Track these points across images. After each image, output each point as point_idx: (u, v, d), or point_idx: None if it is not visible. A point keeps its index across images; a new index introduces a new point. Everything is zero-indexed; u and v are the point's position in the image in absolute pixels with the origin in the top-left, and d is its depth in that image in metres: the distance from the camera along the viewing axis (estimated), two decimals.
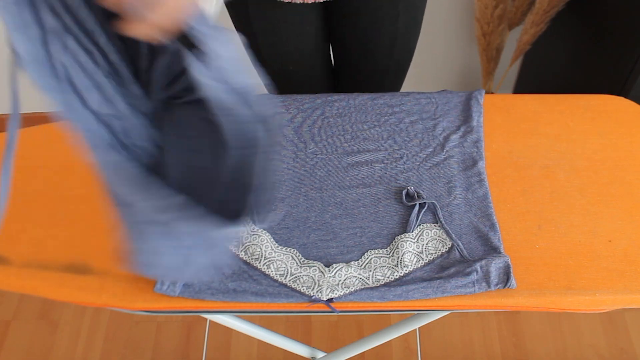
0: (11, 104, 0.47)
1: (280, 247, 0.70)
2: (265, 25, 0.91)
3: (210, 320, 1.45)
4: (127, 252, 0.52)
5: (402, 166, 0.78)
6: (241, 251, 0.69)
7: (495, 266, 0.66)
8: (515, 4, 1.36)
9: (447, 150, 0.79)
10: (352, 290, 0.66)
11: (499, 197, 0.74)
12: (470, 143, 0.79)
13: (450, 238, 0.70)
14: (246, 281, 0.67)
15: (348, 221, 0.72)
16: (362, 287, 0.67)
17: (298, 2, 0.85)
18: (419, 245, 0.70)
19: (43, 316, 1.51)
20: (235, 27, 0.96)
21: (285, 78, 1.01)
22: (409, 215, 0.72)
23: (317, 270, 0.68)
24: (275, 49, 0.95)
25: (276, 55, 0.97)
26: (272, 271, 0.68)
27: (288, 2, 0.85)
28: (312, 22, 0.93)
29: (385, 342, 1.02)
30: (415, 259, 0.68)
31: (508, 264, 0.66)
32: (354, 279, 0.67)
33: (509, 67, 1.50)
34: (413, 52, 1.04)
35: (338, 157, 0.79)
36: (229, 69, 0.48)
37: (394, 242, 0.70)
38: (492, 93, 1.56)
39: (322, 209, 0.74)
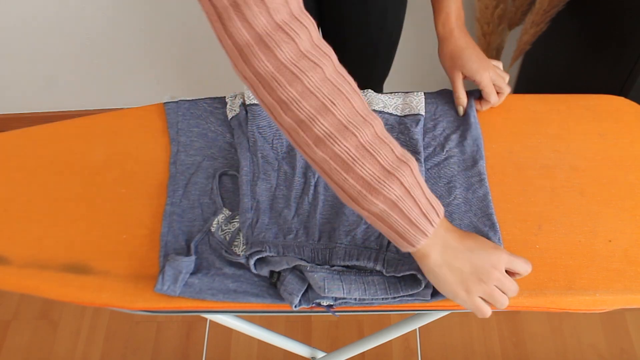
0: None
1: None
2: None
3: (210, 320, 1.45)
4: None
5: None
6: (242, 252, 0.69)
7: None
8: (515, 4, 1.36)
9: (447, 150, 0.78)
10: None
11: (499, 197, 0.73)
12: (470, 142, 0.79)
13: None
14: (247, 282, 0.67)
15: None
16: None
17: None
18: None
19: (43, 316, 1.51)
20: None
21: None
22: None
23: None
24: None
25: None
26: None
27: None
28: None
29: (385, 342, 1.02)
30: None
31: None
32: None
33: (509, 67, 1.49)
34: (402, 24, 1.04)
35: None
36: None
37: None
38: None
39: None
